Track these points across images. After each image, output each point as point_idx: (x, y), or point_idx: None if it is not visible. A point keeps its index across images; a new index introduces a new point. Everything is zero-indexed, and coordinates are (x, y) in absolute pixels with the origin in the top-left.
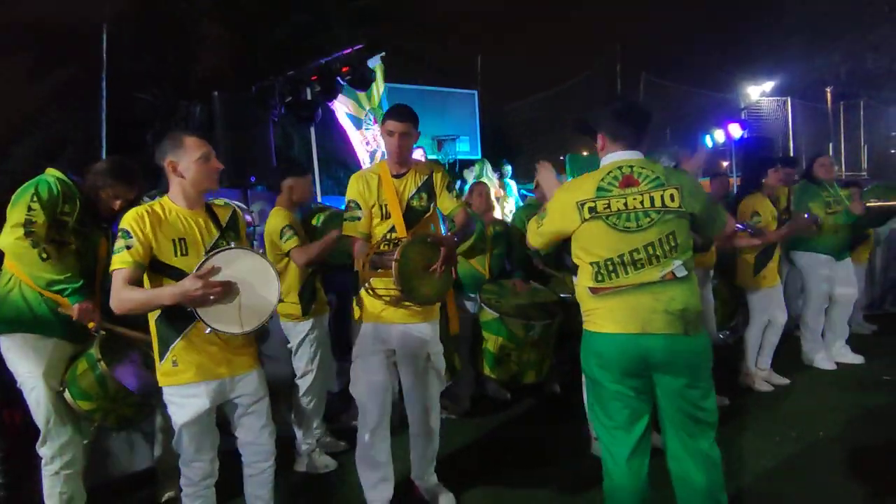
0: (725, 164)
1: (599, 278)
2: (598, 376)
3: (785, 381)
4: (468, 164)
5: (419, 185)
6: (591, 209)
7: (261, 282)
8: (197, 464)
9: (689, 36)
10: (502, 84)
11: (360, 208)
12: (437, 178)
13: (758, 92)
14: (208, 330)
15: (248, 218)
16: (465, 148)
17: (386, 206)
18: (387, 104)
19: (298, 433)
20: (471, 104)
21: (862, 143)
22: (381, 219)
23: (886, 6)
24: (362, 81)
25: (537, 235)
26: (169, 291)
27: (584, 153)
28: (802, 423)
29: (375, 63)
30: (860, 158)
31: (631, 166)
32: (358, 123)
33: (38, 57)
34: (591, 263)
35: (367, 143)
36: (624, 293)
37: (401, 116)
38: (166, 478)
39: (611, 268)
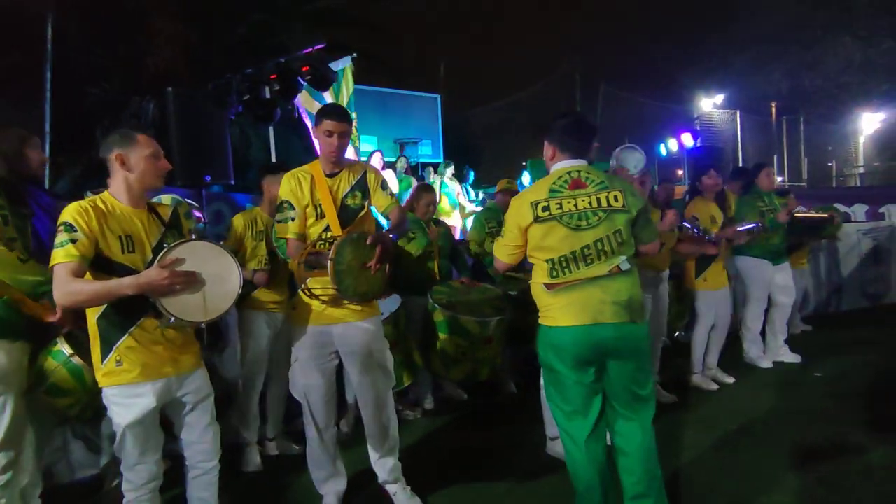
0: (680, 171)
1: (554, 274)
2: (555, 366)
3: (730, 379)
4: (431, 166)
5: (353, 183)
6: (545, 208)
7: (222, 273)
8: (141, 466)
9: (645, 48)
10: (465, 89)
11: (294, 208)
12: (371, 176)
13: (710, 104)
14: (171, 320)
15: (199, 214)
16: (427, 151)
17: (320, 205)
18: (354, 107)
19: (241, 429)
20: (433, 108)
21: (802, 156)
22: (316, 218)
23: (819, 30)
24: (322, 81)
25: (502, 249)
26: (132, 281)
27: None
28: (742, 417)
29: (346, 64)
30: (801, 169)
31: (578, 171)
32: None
33: None
34: (546, 261)
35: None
36: (576, 288)
37: (339, 117)
38: (113, 467)
39: (564, 264)
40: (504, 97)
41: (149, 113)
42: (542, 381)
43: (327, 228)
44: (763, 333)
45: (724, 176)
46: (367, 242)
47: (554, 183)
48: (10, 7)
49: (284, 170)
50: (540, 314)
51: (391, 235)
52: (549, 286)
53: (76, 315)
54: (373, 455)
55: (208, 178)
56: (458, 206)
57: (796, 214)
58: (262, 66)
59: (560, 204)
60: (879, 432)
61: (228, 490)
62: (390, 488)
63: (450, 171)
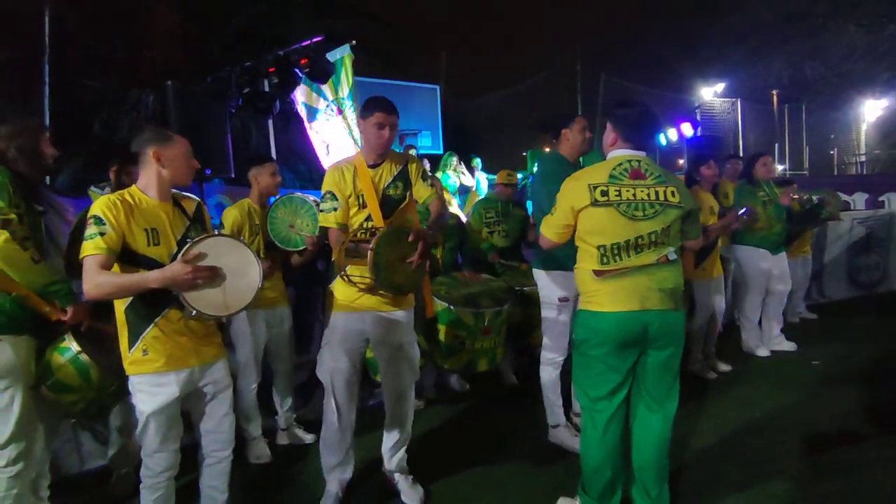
0: (681, 161)
1: (605, 261)
2: (591, 352)
3: (727, 366)
4: (431, 158)
5: (395, 174)
6: (604, 192)
7: (243, 268)
8: (160, 454)
9: (646, 37)
10: (465, 80)
11: (337, 198)
12: (413, 167)
13: (710, 93)
14: (193, 313)
15: None
16: (427, 143)
17: (362, 195)
18: (354, 97)
19: (244, 423)
20: (433, 99)
21: (804, 144)
22: (358, 208)
23: (821, 17)
24: (321, 74)
25: (550, 227)
26: (156, 275)
27: (546, 149)
28: (741, 406)
29: (344, 53)
30: (802, 158)
31: (639, 161)
32: (312, 114)
33: None
34: (597, 247)
35: (317, 133)
36: (625, 275)
37: (390, 109)
38: (121, 458)
39: (616, 251)
40: (504, 88)
41: (148, 106)
42: (541, 370)
43: (368, 218)
44: (759, 322)
45: (720, 167)
46: (409, 239)
47: (614, 169)
48: (8, 0)
49: (270, 161)
50: (584, 299)
51: (430, 231)
52: (598, 272)
53: (89, 314)
54: (385, 443)
55: (209, 172)
56: (457, 196)
57: (794, 196)
58: (260, 58)
59: (619, 191)
60: (879, 420)
61: (235, 479)
62: (394, 477)
63: (453, 161)
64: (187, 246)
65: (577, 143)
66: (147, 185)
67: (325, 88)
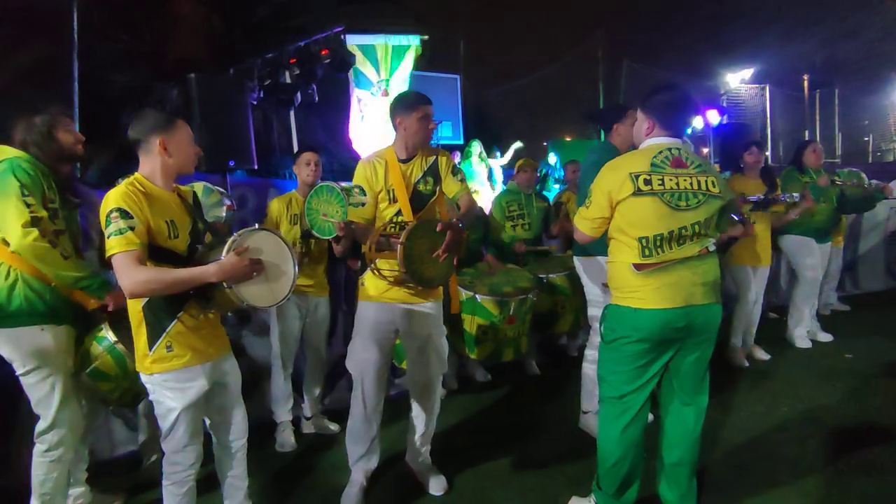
0: (706, 150)
1: (647, 253)
2: (627, 348)
3: (766, 355)
4: (452, 148)
5: (425, 169)
6: (647, 181)
7: (282, 259)
8: (190, 447)
9: (670, 23)
10: (485, 68)
11: (365, 194)
12: (443, 162)
13: (737, 79)
14: (244, 304)
15: (228, 202)
16: (448, 133)
17: (393, 190)
18: (412, 86)
19: (273, 408)
20: (453, 89)
21: (836, 130)
22: (389, 203)
23: None
24: (342, 64)
25: (585, 222)
26: (215, 269)
27: (567, 139)
28: (769, 400)
29: (414, 42)
30: (834, 145)
31: (679, 150)
32: (360, 80)
33: (3, 34)
34: (638, 239)
35: (359, 101)
36: (668, 269)
37: (431, 101)
38: (151, 445)
39: (658, 243)
40: (525, 76)
41: (172, 99)
42: (585, 360)
43: (399, 213)
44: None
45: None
46: (437, 230)
47: (655, 157)
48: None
49: (308, 150)
50: (620, 294)
51: (460, 223)
52: (638, 266)
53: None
54: (410, 433)
55: (232, 164)
56: (483, 185)
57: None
58: (281, 49)
59: (662, 180)
60: None
61: (258, 467)
62: (417, 467)
63: (476, 150)
64: (235, 239)
65: (630, 137)
66: (152, 173)
67: (381, 63)
